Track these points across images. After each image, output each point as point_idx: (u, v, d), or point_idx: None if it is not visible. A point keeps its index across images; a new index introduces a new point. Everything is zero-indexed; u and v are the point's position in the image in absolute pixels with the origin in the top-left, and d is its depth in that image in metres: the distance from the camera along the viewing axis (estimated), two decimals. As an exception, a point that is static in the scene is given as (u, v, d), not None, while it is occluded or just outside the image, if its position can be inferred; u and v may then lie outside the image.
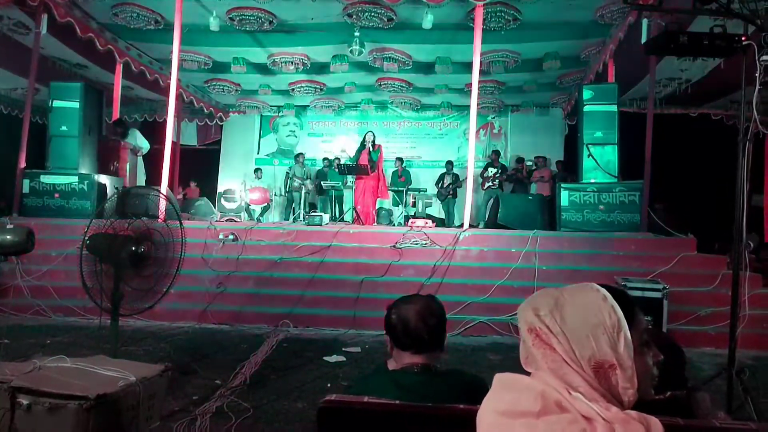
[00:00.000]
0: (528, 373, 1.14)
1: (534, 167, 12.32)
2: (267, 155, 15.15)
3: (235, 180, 14.19)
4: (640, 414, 1.05)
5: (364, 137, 10.33)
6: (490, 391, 1.14)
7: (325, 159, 13.57)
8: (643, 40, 6.86)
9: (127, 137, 9.62)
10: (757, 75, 3.49)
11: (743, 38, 3.56)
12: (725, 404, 3.50)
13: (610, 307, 1.09)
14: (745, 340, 4.85)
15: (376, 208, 10.79)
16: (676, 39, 3.68)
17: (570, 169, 10.99)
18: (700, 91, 10.75)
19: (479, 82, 8.58)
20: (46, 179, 8.43)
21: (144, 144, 9.93)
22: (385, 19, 8.62)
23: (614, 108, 8.49)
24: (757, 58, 3.48)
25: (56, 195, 8.38)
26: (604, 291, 1.12)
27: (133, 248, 3.63)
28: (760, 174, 10.74)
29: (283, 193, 13.17)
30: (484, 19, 8.13)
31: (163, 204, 4.17)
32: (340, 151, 14.35)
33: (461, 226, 8.38)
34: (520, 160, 12.67)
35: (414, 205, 10.47)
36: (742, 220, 3.62)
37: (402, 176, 12.29)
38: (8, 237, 2.90)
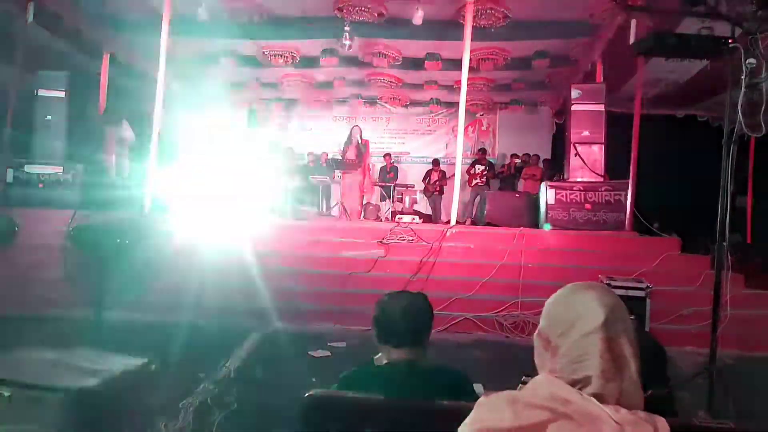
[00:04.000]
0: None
1: (523, 165, 12.36)
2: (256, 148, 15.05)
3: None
4: (647, 413, 1.06)
5: (351, 132, 10.30)
6: (481, 412, 1.13)
7: (310, 153, 13.47)
8: (632, 40, 6.91)
9: (115, 127, 9.53)
10: (743, 77, 3.52)
11: (730, 41, 3.59)
12: (706, 403, 3.54)
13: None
14: (726, 339, 4.90)
15: (363, 203, 10.79)
16: (664, 40, 3.72)
17: (557, 167, 11.05)
18: (686, 92, 10.82)
19: (468, 79, 8.59)
20: (30, 169, 8.33)
21: (130, 135, 9.85)
22: (375, 14, 8.60)
23: (602, 108, 8.54)
24: (743, 60, 3.51)
25: (40, 185, 8.29)
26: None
27: (118, 240, 3.61)
28: (744, 175, 10.85)
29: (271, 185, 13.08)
30: (474, 16, 8.13)
31: (148, 196, 4.14)
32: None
33: (448, 222, 8.39)
34: (514, 156, 12.72)
35: (401, 200, 10.48)
36: (725, 220, 3.66)
37: (390, 172, 12.29)
38: (-9, 227, 2.86)
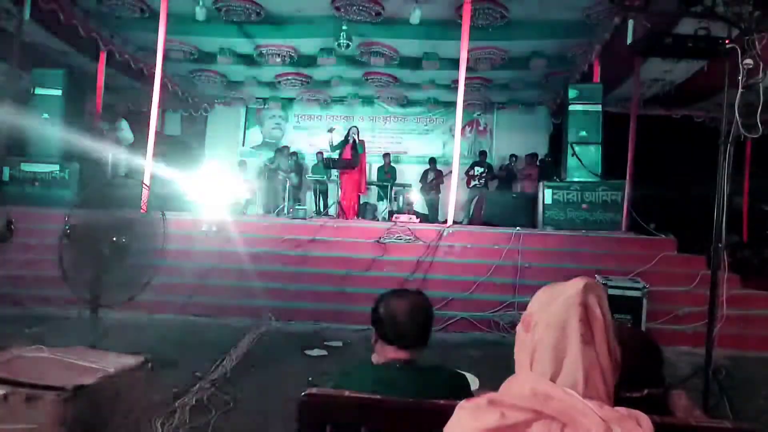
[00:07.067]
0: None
1: (522, 165, 12.37)
2: (252, 148, 15.04)
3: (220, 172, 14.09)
4: (628, 409, 1.07)
5: (348, 131, 10.31)
6: (462, 415, 1.13)
7: (306, 153, 13.46)
8: (629, 40, 6.92)
9: (113, 126, 9.51)
10: (739, 78, 3.53)
11: (727, 41, 3.60)
12: (701, 403, 3.54)
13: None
14: (722, 339, 4.91)
15: (360, 202, 10.79)
16: (661, 40, 3.72)
17: (554, 169, 11.05)
18: (683, 93, 10.84)
19: (466, 78, 8.58)
20: (26, 167, 8.32)
21: (128, 135, 9.81)
22: (373, 13, 8.60)
23: (599, 108, 8.56)
24: (740, 61, 3.52)
25: (36, 183, 8.28)
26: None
27: (114, 239, 3.59)
28: (740, 176, 10.88)
29: (263, 185, 13.08)
30: (472, 16, 8.13)
31: (145, 194, 4.13)
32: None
33: (445, 222, 8.40)
34: (512, 156, 12.73)
35: (398, 200, 10.47)
36: (722, 220, 3.67)
37: (388, 172, 12.28)
38: (-14, 225, 2.85)
